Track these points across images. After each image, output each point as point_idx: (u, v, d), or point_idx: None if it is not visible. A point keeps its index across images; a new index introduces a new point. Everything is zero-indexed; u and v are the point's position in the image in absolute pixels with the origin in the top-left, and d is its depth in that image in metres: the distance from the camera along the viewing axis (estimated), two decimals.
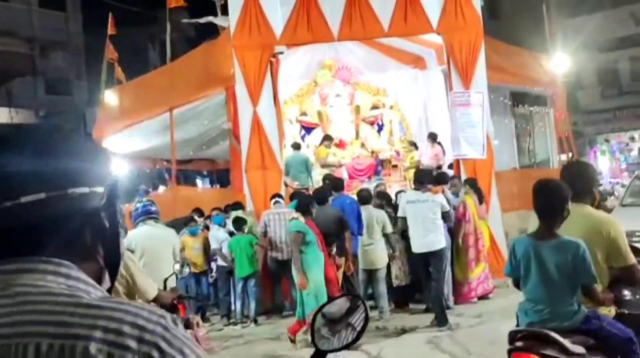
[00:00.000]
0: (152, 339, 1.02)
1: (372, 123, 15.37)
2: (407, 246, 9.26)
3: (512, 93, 15.04)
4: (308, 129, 15.16)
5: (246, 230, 9.55)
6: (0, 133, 1.15)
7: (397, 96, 15.54)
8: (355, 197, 9.35)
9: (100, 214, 1.15)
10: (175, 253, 5.77)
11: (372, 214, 8.87)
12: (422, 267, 8.51)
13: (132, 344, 1.00)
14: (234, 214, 10.12)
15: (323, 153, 12.71)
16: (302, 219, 7.51)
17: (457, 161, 10.82)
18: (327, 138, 12.99)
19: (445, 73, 14.35)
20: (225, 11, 11.30)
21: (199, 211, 11.14)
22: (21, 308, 1.03)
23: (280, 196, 9.78)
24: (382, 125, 15.33)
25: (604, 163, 24.69)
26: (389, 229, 8.80)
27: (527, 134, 16.72)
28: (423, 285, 8.93)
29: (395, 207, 9.71)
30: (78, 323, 1.00)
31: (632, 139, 25.27)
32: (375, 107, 15.39)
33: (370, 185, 13.39)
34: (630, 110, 25.36)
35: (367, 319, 1.64)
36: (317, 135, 14.62)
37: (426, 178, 8.46)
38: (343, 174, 13.98)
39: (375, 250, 8.79)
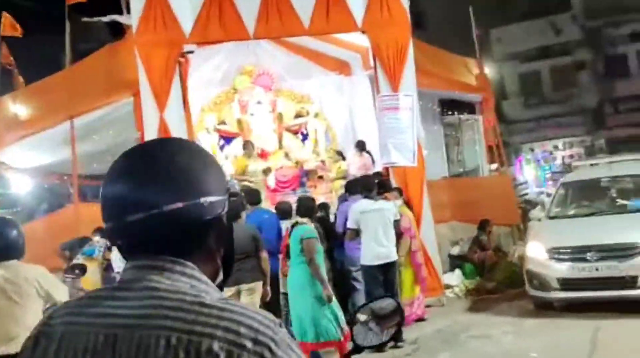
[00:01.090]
0: (264, 340, 1.12)
1: (295, 132, 14.36)
2: (334, 266, 8.23)
3: (440, 100, 14.35)
4: (227, 138, 13.99)
5: None
6: (142, 148, 1.34)
7: (322, 104, 14.63)
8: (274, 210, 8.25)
9: (223, 218, 1.30)
10: (44, 292, 4.20)
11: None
12: (375, 280, 7.46)
13: (248, 344, 1.11)
14: None
15: (242, 162, 11.54)
16: (310, 225, 6.59)
17: (387, 169, 9.86)
18: (245, 146, 11.79)
19: (372, 78, 13.54)
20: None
21: (101, 231, 9.77)
22: (152, 302, 1.15)
23: None
24: (307, 134, 14.34)
25: (529, 172, 24.55)
26: None
27: (456, 142, 16.07)
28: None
29: (320, 220, 8.63)
30: (203, 322, 1.12)
31: (556, 148, 25.28)
32: (299, 115, 14.40)
33: (294, 198, 12.44)
34: (553, 119, 25.36)
35: (402, 320, 1.92)
36: (237, 145, 13.47)
37: (374, 185, 7.56)
38: (270, 183, 12.88)
39: None
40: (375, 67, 9.93)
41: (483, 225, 11.79)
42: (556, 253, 8.30)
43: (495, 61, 21.89)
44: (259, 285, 6.74)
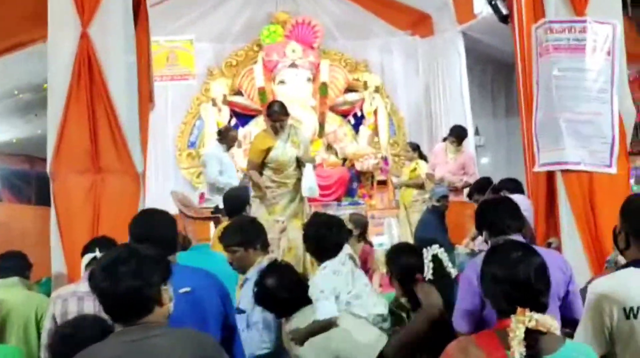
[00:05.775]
0: None
1: (345, 113, 9.27)
2: None
3: None
4: (243, 117, 8.96)
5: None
6: None
7: (386, 74, 9.52)
8: None
9: None
10: None
11: None
12: None
13: None
14: None
15: (261, 143, 5.89)
16: None
17: (534, 176, 4.44)
18: (271, 113, 5.91)
19: (466, 35, 8.50)
20: None
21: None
22: None
23: (105, 242, 3.33)
24: (362, 117, 9.24)
25: None
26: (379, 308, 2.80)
27: None
28: None
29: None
30: None
31: None
32: (351, 89, 9.30)
33: (338, 212, 7.44)
34: None
35: None
36: (257, 127, 8.40)
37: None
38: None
39: None
40: None
41: None
42: None
43: None
44: None
